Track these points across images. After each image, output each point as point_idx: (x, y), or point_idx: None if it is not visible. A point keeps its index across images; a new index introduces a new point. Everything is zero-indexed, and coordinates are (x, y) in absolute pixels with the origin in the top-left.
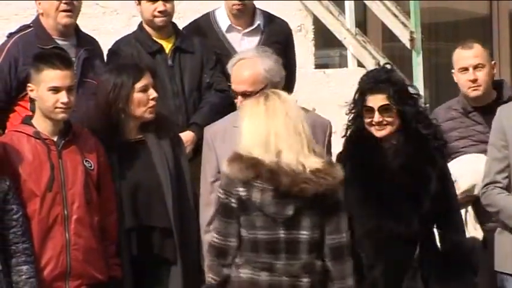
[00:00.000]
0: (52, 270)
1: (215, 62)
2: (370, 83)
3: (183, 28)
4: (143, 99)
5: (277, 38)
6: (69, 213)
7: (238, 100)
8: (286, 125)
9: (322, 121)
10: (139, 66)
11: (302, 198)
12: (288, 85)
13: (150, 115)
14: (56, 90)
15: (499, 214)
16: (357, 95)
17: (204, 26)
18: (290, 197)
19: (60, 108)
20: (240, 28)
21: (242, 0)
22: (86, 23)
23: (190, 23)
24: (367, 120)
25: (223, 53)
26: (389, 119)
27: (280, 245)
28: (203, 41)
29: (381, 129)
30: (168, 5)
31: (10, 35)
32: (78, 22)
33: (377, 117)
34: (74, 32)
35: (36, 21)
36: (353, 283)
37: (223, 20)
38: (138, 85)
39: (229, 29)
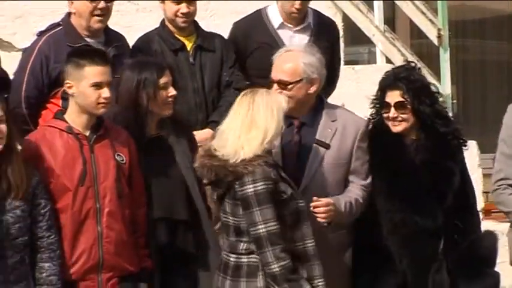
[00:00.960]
0: (85, 263)
1: (234, 60)
2: (389, 79)
3: (234, 23)
4: (163, 96)
5: (326, 36)
6: (101, 207)
7: (273, 88)
8: (243, 119)
9: (357, 120)
10: (160, 63)
11: (221, 186)
12: (333, 80)
13: (169, 112)
14: (98, 86)
15: (510, 214)
16: (378, 91)
17: (255, 21)
18: (214, 184)
19: (102, 103)
20: (291, 26)
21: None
22: (119, 20)
23: (240, 20)
24: (385, 115)
25: (273, 48)
26: (404, 116)
27: (223, 226)
28: (223, 40)
29: (396, 124)
30: (192, 7)
31: (40, 34)
32: (111, 19)
33: (392, 112)
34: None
35: (66, 20)
36: (282, 270)
37: (275, 17)
38: (160, 82)
39: (281, 26)
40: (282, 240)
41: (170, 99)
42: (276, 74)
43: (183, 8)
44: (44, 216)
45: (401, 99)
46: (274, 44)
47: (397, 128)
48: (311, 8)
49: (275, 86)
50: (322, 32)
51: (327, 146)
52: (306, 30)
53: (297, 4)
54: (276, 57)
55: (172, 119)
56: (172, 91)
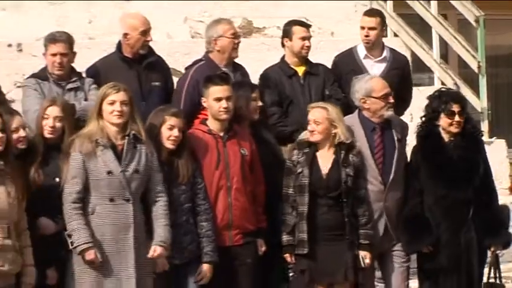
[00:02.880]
0: (220, 223)
1: (333, 80)
2: (454, 95)
3: (335, 56)
4: (255, 106)
5: (398, 65)
6: (231, 185)
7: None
8: None
9: (403, 124)
10: (251, 83)
11: None
12: (407, 100)
13: (256, 116)
14: (218, 99)
15: None
16: (438, 104)
17: (348, 56)
18: None
19: (222, 111)
20: (372, 57)
21: (376, 29)
22: (254, 56)
23: (339, 54)
24: (449, 121)
25: (358, 73)
26: (462, 120)
27: None
28: (325, 67)
29: (457, 127)
30: (310, 43)
31: (187, 68)
32: (247, 54)
33: (457, 118)
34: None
35: (206, 56)
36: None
37: (361, 51)
38: (253, 96)
39: (365, 57)
40: None
41: (258, 108)
42: (381, 90)
43: (307, 43)
44: (200, 190)
45: (460, 111)
46: (359, 70)
47: (458, 129)
48: (388, 46)
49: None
50: (395, 63)
51: (400, 141)
52: (383, 61)
53: (367, 39)
54: (370, 80)
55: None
56: (259, 102)
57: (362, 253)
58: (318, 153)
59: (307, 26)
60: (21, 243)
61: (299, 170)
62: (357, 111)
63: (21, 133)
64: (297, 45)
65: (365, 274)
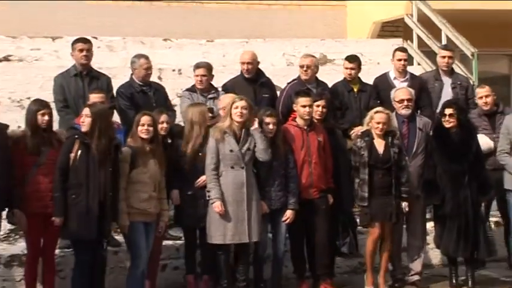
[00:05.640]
0: (305, 184)
1: (375, 95)
2: (447, 103)
3: (375, 78)
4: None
5: (417, 85)
6: (311, 160)
7: (404, 104)
8: None
9: (426, 120)
10: (308, 92)
11: None
12: (427, 105)
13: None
14: (303, 106)
15: (505, 167)
16: (441, 110)
17: (383, 78)
18: None
19: (305, 114)
20: (399, 79)
21: (405, 60)
22: (327, 77)
23: (376, 78)
24: (444, 119)
25: (390, 90)
26: (451, 119)
27: None
28: (371, 86)
29: (449, 123)
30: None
31: (287, 84)
32: (324, 77)
33: (447, 118)
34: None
35: (298, 77)
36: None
37: (392, 74)
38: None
39: (394, 78)
40: None
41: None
42: (400, 97)
43: (349, 71)
44: (290, 162)
45: (452, 112)
46: (390, 87)
47: (449, 125)
48: (409, 72)
49: (406, 102)
50: (415, 82)
51: (421, 130)
52: (406, 81)
53: (402, 66)
54: (396, 91)
55: None
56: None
57: (403, 203)
58: (374, 140)
59: (351, 60)
60: (160, 195)
61: (362, 152)
62: (395, 110)
63: (164, 125)
64: (345, 72)
65: (404, 216)
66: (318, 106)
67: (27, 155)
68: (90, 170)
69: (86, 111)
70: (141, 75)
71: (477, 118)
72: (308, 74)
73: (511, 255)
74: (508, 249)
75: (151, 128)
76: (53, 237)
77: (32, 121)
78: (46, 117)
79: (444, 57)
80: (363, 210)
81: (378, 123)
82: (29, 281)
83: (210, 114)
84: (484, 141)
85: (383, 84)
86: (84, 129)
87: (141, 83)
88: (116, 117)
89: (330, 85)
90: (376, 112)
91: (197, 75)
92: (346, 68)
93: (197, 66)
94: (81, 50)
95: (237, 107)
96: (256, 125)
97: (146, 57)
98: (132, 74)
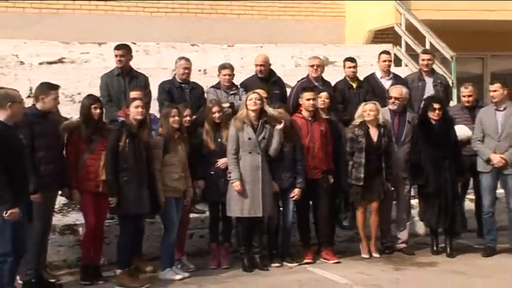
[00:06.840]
0: (309, 166)
1: (371, 90)
2: (436, 99)
3: (364, 78)
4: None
5: (398, 82)
6: (314, 146)
7: (391, 101)
8: None
9: (413, 114)
10: (312, 88)
11: None
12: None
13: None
14: (308, 99)
15: (477, 152)
16: (427, 103)
17: (372, 77)
18: None
19: (310, 106)
20: (385, 77)
21: (389, 61)
22: (329, 77)
23: (365, 77)
24: (433, 113)
25: (379, 87)
26: (440, 112)
27: None
28: (368, 83)
29: (437, 116)
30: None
31: (297, 82)
32: (327, 76)
33: (437, 111)
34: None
35: (307, 76)
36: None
37: (378, 74)
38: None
39: (381, 77)
40: None
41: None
42: (390, 93)
43: (353, 70)
44: (297, 148)
45: (440, 107)
46: (378, 86)
47: (437, 117)
48: (392, 72)
49: (393, 99)
50: (397, 81)
51: (409, 122)
52: (390, 80)
53: (386, 66)
54: (391, 89)
55: None
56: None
57: (387, 184)
58: (369, 130)
59: (352, 61)
60: (186, 175)
61: (360, 139)
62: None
63: (187, 118)
64: (347, 71)
65: (389, 194)
66: (321, 97)
67: (81, 142)
68: (137, 155)
69: (139, 103)
70: (180, 73)
71: (459, 111)
72: (317, 72)
73: (481, 226)
74: (478, 222)
75: (179, 119)
76: (103, 211)
77: (86, 113)
78: (98, 111)
79: (424, 59)
80: (355, 189)
81: (370, 110)
82: (87, 245)
83: (230, 109)
84: (463, 131)
85: (372, 82)
86: (139, 117)
87: (180, 81)
88: (151, 110)
89: (332, 83)
90: (366, 104)
91: (224, 75)
92: (349, 67)
93: (223, 67)
94: (116, 56)
95: (251, 99)
96: (281, 126)
97: (187, 59)
98: (174, 73)
